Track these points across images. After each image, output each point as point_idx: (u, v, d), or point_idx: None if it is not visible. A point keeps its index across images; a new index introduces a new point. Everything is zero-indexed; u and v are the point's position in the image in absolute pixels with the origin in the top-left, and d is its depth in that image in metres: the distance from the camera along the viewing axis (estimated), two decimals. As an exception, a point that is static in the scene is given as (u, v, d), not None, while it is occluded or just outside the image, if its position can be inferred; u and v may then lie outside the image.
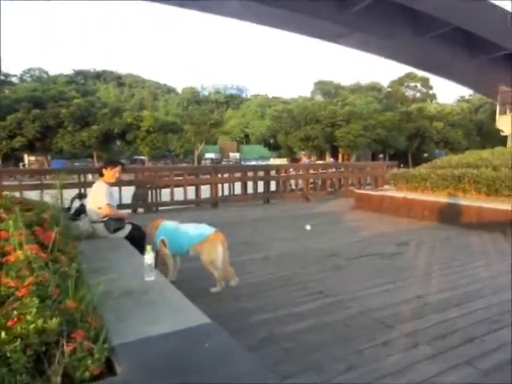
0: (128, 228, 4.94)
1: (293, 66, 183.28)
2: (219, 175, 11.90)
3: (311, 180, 13.51)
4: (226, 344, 2.06)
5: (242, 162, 46.43)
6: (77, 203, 5.44)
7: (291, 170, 14.24)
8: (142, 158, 49.82)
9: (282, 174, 13.04)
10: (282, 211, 10.18)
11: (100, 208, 4.75)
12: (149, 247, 3.21)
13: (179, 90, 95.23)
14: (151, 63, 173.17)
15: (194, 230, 4.42)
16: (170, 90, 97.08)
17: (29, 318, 1.74)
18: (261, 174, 12.29)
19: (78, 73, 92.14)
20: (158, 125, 46.15)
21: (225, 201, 11.83)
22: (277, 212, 10.11)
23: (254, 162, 41.92)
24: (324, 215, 9.34)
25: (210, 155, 58.94)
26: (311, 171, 13.57)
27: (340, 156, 52.18)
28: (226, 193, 12.75)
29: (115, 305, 2.46)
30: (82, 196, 5.87)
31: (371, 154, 52.04)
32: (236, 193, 12.73)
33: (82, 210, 5.12)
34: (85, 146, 45.42)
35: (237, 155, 61.46)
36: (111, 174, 4.97)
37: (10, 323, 1.71)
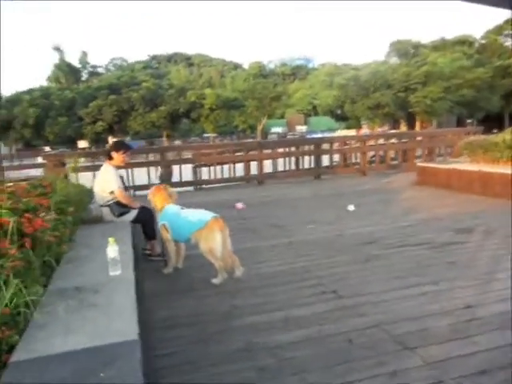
0: (134, 212, 4.60)
1: (365, 28, 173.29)
2: (265, 151, 11.19)
3: (371, 153, 12.34)
4: (127, 374, 1.58)
5: (308, 135, 44.84)
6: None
7: (349, 142, 13.11)
8: (211, 135, 50.39)
9: (335, 148, 12.03)
10: (331, 188, 9.28)
11: (112, 192, 4.47)
12: (111, 239, 2.78)
13: (246, 66, 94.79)
14: (218, 41, 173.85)
15: (194, 216, 3.93)
16: (236, 67, 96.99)
17: None
18: (310, 147, 11.42)
19: (153, 58, 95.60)
20: (221, 102, 46.27)
21: (272, 177, 11.16)
22: (324, 189, 9.24)
23: (319, 135, 40.22)
24: (376, 193, 8.28)
25: (276, 129, 57.90)
26: (370, 143, 12.35)
27: (418, 124, 47.83)
28: (280, 168, 12.16)
29: (56, 305, 2.26)
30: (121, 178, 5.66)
31: (456, 120, 46.21)
32: (288, 168, 12.06)
33: None
34: (155, 127, 47.12)
35: (303, 128, 59.77)
36: (121, 157, 4.76)
37: None
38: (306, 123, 63.16)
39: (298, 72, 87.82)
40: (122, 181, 5.58)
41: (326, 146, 11.82)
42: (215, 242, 3.74)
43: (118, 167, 4.81)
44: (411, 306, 3.03)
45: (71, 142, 40.20)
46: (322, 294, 3.36)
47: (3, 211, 2.92)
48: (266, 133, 54.45)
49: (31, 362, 1.70)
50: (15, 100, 46.76)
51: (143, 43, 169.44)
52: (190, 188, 10.51)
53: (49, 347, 1.80)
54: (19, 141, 45.38)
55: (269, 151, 11.65)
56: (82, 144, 42.55)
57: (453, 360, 2.32)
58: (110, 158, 4.70)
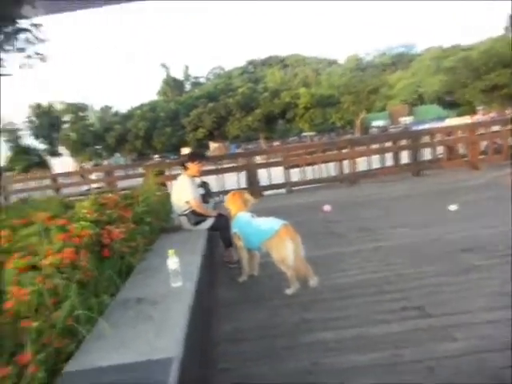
0: (211, 220, 4.62)
1: (475, 4, 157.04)
2: (356, 148, 10.59)
3: (484, 143, 10.90)
4: None
5: (414, 127, 41.88)
6: (200, 191, 5.39)
7: (454, 132, 11.74)
8: (310, 133, 50.06)
9: (437, 139, 10.94)
10: (431, 185, 8.43)
11: (188, 202, 4.58)
12: (171, 251, 2.75)
13: (341, 61, 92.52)
14: (312, 40, 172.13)
15: (264, 224, 3.80)
16: (331, 63, 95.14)
17: None
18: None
19: (249, 63, 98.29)
20: (315, 100, 45.66)
21: (366, 176, 10.56)
22: (423, 187, 8.42)
23: (427, 125, 37.24)
24: (487, 189, 7.23)
25: (377, 123, 55.15)
26: (480, 131, 10.93)
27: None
28: (375, 166, 11.48)
29: (116, 316, 2.31)
30: (205, 185, 5.82)
31: None
32: (385, 165, 11.32)
33: (203, 198, 5.01)
34: (251, 130, 48.27)
35: (408, 119, 56.04)
36: (195, 167, 4.82)
37: None
38: (411, 114, 59.25)
39: (398, 60, 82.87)
40: (207, 188, 5.72)
41: (427, 139, 10.86)
42: (286, 251, 3.56)
43: (194, 177, 4.86)
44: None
45: (176, 150, 43.00)
46: (403, 310, 2.97)
47: (86, 224, 3.08)
48: (366, 127, 52.33)
49: (78, 374, 1.75)
50: (129, 115, 51.64)
51: (240, 50, 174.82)
52: (282, 190, 10.42)
53: (97, 360, 1.83)
54: (132, 152, 49.99)
55: (362, 148, 11.05)
56: (186, 151, 45.27)
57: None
58: (186, 169, 4.79)
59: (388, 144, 11.41)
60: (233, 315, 3.30)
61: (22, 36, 7.29)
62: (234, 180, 10.02)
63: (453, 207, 5.85)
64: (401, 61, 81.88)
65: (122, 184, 11.35)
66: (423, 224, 5.34)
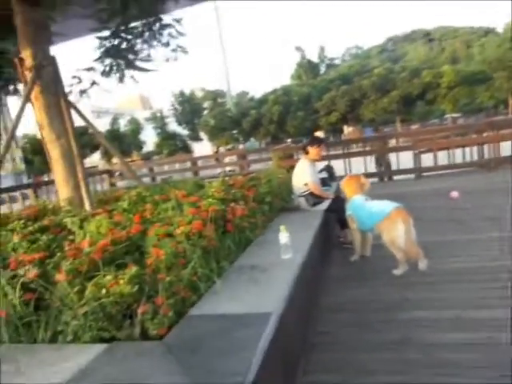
0: (327, 202, 4.92)
1: None
2: (495, 131, 9.67)
3: None
4: (255, 336, 1.92)
5: None
6: (324, 174, 5.83)
7: None
8: (454, 115, 46.01)
9: None
10: None
11: (306, 184, 4.93)
12: (282, 227, 3.17)
13: (500, 30, 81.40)
14: (463, 7, 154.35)
15: (377, 207, 3.99)
16: (487, 32, 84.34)
17: (121, 282, 2.28)
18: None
19: (389, 40, 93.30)
20: (461, 78, 41.37)
21: (505, 162, 9.54)
22: None
23: None
24: None
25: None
26: None
27: None
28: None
29: (231, 278, 2.77)
30: (329, 168, 6.24)
31: None
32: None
33: (325, 181, 5.46)
34: (386, 112, 46.13)
35: None
36: (315, 151, 5.10)
37: (109, 284, 2.27)
38: None
39: None
40: (331, 171, 6.02)
41: None
42: (397, 233, 3.71)
43: (314, 160, 5.17)
44: None
45: (309, 134, 43.52)
46: (512, 298, 2.93)
47: (214, 201, 3.68)
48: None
49: (198, 317, 2.24)
50: (263, 100, 53.67)
51: (380, 26, 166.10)
52: (411, 176, 10.13)
53: (214, 309, 2.31)
54: (267, 136, 52.05)
55: (506, 132, 10.05)
56: (319, 134, 45.54)
57: None
58: (307, 153, 5.13)
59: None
60: (339, 290, 3.61)
61: (166, 31, 8.01)
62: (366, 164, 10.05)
63: None
64: None
65: (254, 167, 12.26)
66: None
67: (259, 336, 1.90)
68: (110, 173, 12.81)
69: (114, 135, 43.16)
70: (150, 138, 53.06)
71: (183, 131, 55.29)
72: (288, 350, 2.32)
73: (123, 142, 44.20)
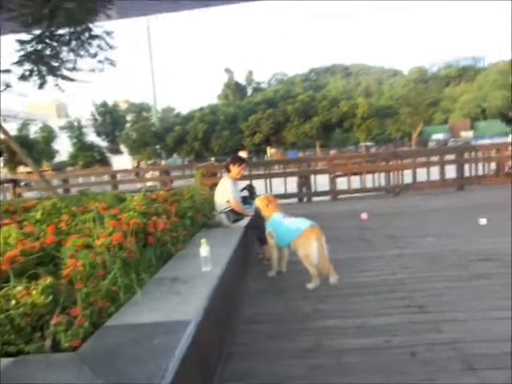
0: (247, 219, 5.09)
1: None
2: (399, 161, 10.71)
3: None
4: (173, 343, 1.97)
5: (474, 142, 40.32)
6: (245, 193, 5.98)
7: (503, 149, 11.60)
8: (367, 144, 49.47)
9: (480, 156, 10.81)
10: (471, 200, 8.45)
11: (228, 201, 5.05)
12: (203, 240, 3.26)
13: (405, 72, 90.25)
14: (378, 50, 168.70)
15: (293, 224, 4.22)
16: (395, 73, 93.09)
17: (33, 293, 2.19)
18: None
19: (311, 70, 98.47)
20: (373, 110, 45.05)
21: (411, 188, 10.62)
22: (462, 201, 8.47)
23: (488, 141, 35.80)
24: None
25: (437, 136, 53.71)
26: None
27: None
28: (422, 179, 11.48)
29: (152, 290, 2.80)
30: (251, 188, 6.40)
31: None
32: (429, 179, 11.29)
33: (246, 199, 5.61)
34: (307, 137, 48.45)
35: (470, 134, 54.00)
36: (237, 170, 5.26)
37: (20, 295, 2.17)
38: (472, 128, 57.07)
39: (464, 73, 79.93)
40: (252, 190, 6.22)
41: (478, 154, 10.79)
42: (311, 249, 3.96)
43: (236, 179, 5.34)
44: (497, 330, 2.78)
45: (233, 153, 44.16)
46: (407, 307, 3.30)
47: (135, 214, 3.66)
48: (425, 140, 51.05)
49: (115, 327, 2.23)
50: (189, 117, 53.60)
51: (304, 57, 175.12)
52: (327, 197, 10.74)
53: (132, 319, 2.32)
54: (191, 153, 51.82)
55: (408, 161, 11.13)
56: (242, 154, 46.42)
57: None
58: (229, 171, 5.29)
59: (434, 158, 11.38)
60: (256, 302, 3.76)
61: (95, 42, 7.82)
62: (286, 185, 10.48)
63: (482, 221, 5.97)
64: (467, 73, 78.69)
65: (176, 184, 12.20)
66: (450, 235, 5.56)
67: (177, 343, 1.96)
68: (15, 182, 11.95)
69: (22, 142, 39.93)
70: (64, 147, 49.99)
71: (102, 143, 52.97)
72: (205, 358, 2.39)
73: (33, 149, 40.95)
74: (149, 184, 13.20)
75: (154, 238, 3.57)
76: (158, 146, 52.67)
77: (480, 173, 11.02)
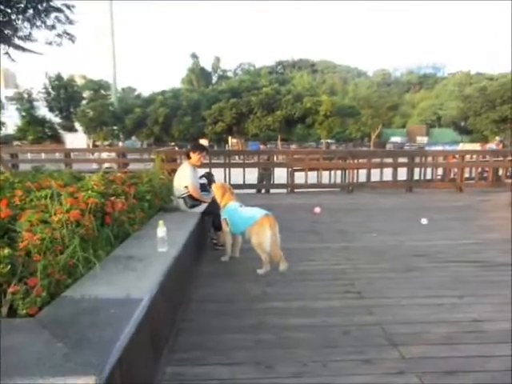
0: (204, 205, 5.26)
1: (506, 35, 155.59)
2: (355, 160, 11.24)
3: (480, 169, 11.64)
4: (120, 316, 2.12)
5: (428, 147, 42.37)
6: (203, 180, 6.12)
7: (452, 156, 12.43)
8: (328, 141, 50.61)
9: (430, 162, 11.54)
10: (417, 201, 9.04)
11: (186, 187, 5.18)
12: (161, 222, 3.41)
13: (370, 74, 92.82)
14: (345, 48, 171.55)
15: (248, 213, 4.44)
16: (360, 74, 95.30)
17: None
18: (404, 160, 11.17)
19: (279, 63, 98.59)
20: (336, 109, 46.05)
21: (365, 186, 11.16)
22: (410, 202, 9.05)
23: (440, 147, 37.78)
24: (462, 209, 7.92)
25: (395, 139, 56.10)
26: (468, 158, 11.69)
27: None
28: (375, 178, 12.05)
29: (108, 266, 2.91)
30: (210, 175, 6.55)
31: None
32: (382, 179, 11.87)
33: (204, 186, 5.74)
34: (270, 130, 48.77)
35: (425, 139, 56.73)
36: (197, 158, 5.40)
37: None
38: (427, 134, 59.89)
39: (425, 81, 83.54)
40: (211, 178, 6.39)
41: (428, 159, 11.50)
42: (264, 237, 4.20)
43: (196, 166, 5.49)
44: (419, 313, 3.18)
45: (194, 140, 43.75)
46: (346, 292, 3.64)
47: (93, 194, 3.74)
48: (384, 142, 53.06)
49: (72, 298, 2.36)
50: (150, 100, 52.39)
51: (271, 49, 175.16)
52: (284, 191, 11.04)
53: (89, 291, 2.45)
54: (150, 136, 50.81)
55: (363, 161, 11.65)
56: (203, 142, 46.17)
57: (426, 359, 2.52)
58: (189, 158, 5.43)
59: (387, 160, 11.97)
60: (208, 284, 3.96)
61: (52, 14, 7.54)
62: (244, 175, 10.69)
63: (424, 221, 6.47)
64: (427, 81, 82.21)
65: (133, 167, 12.09)
66: (393, 232, 5.99)
67: (131, 314, 2.13)
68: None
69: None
70: (11, 120, 47.35)
71: (55, 118, 50.55)
72: (157, 330, 2.57)
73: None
74: (106, 165, 12.99)
75: (112, 218, 3.68)
76: (115, 127, 51.07)
77: (428, 177, 11.75)
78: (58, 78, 49.82)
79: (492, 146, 20.49)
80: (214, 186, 4.98)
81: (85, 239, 3.08)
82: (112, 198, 3.89)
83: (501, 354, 2.58)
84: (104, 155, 14.69)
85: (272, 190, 11.11)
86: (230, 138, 53.46)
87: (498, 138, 33.27)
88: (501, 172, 11.80)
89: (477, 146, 40.41)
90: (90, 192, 3.70)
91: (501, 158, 11.92)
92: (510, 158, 11.65)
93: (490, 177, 11.19)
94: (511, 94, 40.97)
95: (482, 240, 5.48)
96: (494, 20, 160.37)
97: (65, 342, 1.83)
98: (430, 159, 11.83)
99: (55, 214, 3.08)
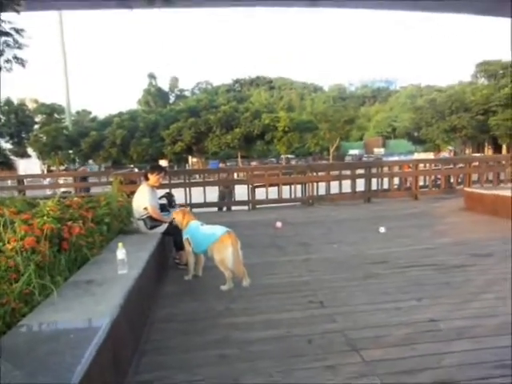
0: (165, 225, 5.22)
1: (452, 49, 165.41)
2: (314, 173, 11.51)
3: (433, 177, 12.21)
4: (80, 341, 2.09)
5: (384, 158, 44.05)
6: (163, 200, 6.08)
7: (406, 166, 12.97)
8: (288, 156, 51.45)
9: (386, 172, 12.02)
10: (375, 211, 9.34)
11: (146, 208, 5.15)
12: (120, 244, 3.38)
13: (326, 88, 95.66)
14: (301, 65, 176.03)
15: (210, 231, 4.45)
16: (316, 89, 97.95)
17: None
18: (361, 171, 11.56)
19: (236, 81, 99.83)
20: (294, 124, 47.10)
21: (324, 199, 11.42)
22: (368, 212, 9.33)
23: (396, 158, 39.39)
24: (417, 217, 8.27)
25: (353, 151, 58.08)
26: (422, 167, 12.25)
27: (505, 148, 45.11)
28: (335, 191, 12.34)
29: (67, 291, 2.87)
30: (169, 196, 6.52)
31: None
32: (341, 191, 12.18)
33: (164, 207, 5.74)
34: (230, 147, 49.12)
35: (381, 151, 59.00)
36: (155, 178, 5.38)
37: None
38: (384, 146, 62.29)
39: (378, 94, 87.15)
40: (170, 198, 6.38)
41: (384, 170, 11.95)
42: (226, 254, 4.21)
43: (154, 187, 5.46)
44: (379, 318, 3.29)
45: (153, 161, 43.28)
46: (309, 303, 3.70)
47: (49, 219, 3.65)
48: (343, 155, 54.67)
49: (30, 325, 2.32)
50: (106, 122, 51.57)
51: (228, 67, 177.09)
52: (246, 207, 11.10)
53: (47, 318, 2.41)
54: (108, 159, 49.80)
55: (322, 174, 11.92)
56: (162, 163, 45.73)
57: (386, 361, 2.62)
58: (147, 179, 5.41)
59: (346, 172, 12.31)
60: (172, 303, 3.93)
61: (1, 39, 7.35)
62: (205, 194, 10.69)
63: (382, 229, 6.70)
64: (380, 95, 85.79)
65: (92, 190, 11.82)
66: (353, 242, 6.16)
67: (92, 337, 2.10)
68: None
69: None
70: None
71: (5, 145, 48.65)
72: (120, 352, 2.53)
73: None
74: (62, 190, 12.62)
75: (69, 243, 3.61)
76: (71, 151, 49.77)
77: (385, 187, 12.19)
78: (8, 102, 48.14)
79: (445, 154, 21.50)
80: (173, 214, 4.97)
81: (41, 266, 3.01)
82: (69, 223, 3.82)
83: (455, 349, 2.72)
84: (61, 180, 14.24)
85: (234, 208, 11.17)
86: (189, 157, 53.38)
87: (450, 147, 35.10)
88: (452, 179, 12.45)
89: (431, 155, 42.71)
90: (45, 218, 3.62)
91: (451, 166, 12.57)
92: (460, 166, 12.31)
93: (443, 184, 11.74)
94: (459, 105, 43.43)
95: (436, 244, 5.73)
96: (441, 34, 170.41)
97: (22, 370, 1.78)
98: (386, 169, 12.30)
99: (9, 243, 3.00)
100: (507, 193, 7.60)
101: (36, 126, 49.59)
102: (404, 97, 71.98)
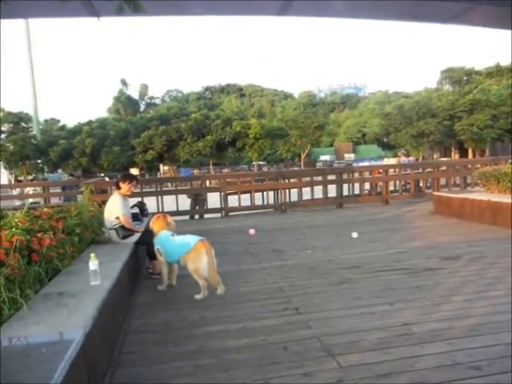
0: (137, 235, 5.16)
1: (418, 56, 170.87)
2: (286, 180, 11.64)
3: (403, 182, 12.52)
4: (52, 355, 2.04)
5: (355, 164, 44.88)
6: (135, 210, 5.99)
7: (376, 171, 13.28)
8: (260, 163, 51.63)
9: (357, 177, 12.26)
10: (347, 216, 9.51)
11: (117, 217, 5.07)
12: (92, 255, 3.32)
13: (296, 95, 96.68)
14: (270, 72, 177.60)
15: (183, 240, 4.43)
16: (286, 96, 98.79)
17: None
18: (332, 177, 11.75)
19: (206, 89, 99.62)
20: (265, 131, 47.44)
21: (297, 205, 11.52)
22: (340, 217, 9.49)
23: (366, 163, 40.22)
24: (388, 221, 8.47)
25: (324, 157, 58.86)
26: (392, 172, 12.55)
27: (470, 152, 46.74)
28: (307, 197, 12.45)
29: (37, 304, 2.81)
30: (141, 204, 6.44)
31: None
32: (313, 197, 12.32)
33: (136, 216, 5.72)
34: (201, 155, 48.91)
35: (352, 156, 60.07)
36: (127, 187, 5.32)
37: None
38: (354, 151, 63.43)
39: (348, 101, 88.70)
40: (142, 207, 6.31)
41: (355, 175, 12.18)
42: (201, 263, 4.19)
43: (126, 196, 5.39)
44: (353, 323, 3.34)
45: (124, 170, 42.60)
46: (284, 310, 3.73)
47: (18, 231, 3.55)
48: (314, 161, 55.31)
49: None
50: (75, 131, 50.47)
51: (198, 75, 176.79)
52: (218, 215, 11.08)
53: (18, 332, 2.34)
54: (77, 168, 48.70)
55: (294, 180, 12.05)
56: (134, 171, 45.15)
57: (362, 365, 2.65)
58: (119, 188, 5.33)
59: (317, 178, 12.49)
60: (146, 314, 3.88)
61: None
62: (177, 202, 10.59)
63: (354, 235, 6.83)
64: (350, 101, 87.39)
65: (60, 201, 11.56)
66: (327, 247, 6.25)
67: (65, 351, 2.05)
68: None
69: None
70: None
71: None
72: (94, 365, 2.48)
73: None
74: (31, 200, 12.28)
75: (39, 255, 3.52)
76: (39, 160, 48.45)
77: (356, 192, 12.41)
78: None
79: (405, 159, 21.99)
80: (151, 220, 4.94)
81: (10, 279, 2.92)
82: (39, 235, 3.73)
83: (430, 352, 2.78)
84: (29, 190, 13.83)
85: (206, 215, 11.15)
86: (161, 165, 52.84)
87: (402, 150, 35.71)
88: (421, 184, 12.81)
89: (394, 161, 43.69)
90: (14, 230, 3.52)
91: (420, 170, 12.94)
92: (428, 170, 12.69)
93: (412, 188, 12.06)
94: (426, 111, 44.75)
95: (407, 248, 5.88)
96: (408, 41, 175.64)
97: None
98: (357, 175, 12.54)
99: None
100: (473, 196, 7.90)
101: (2, 136, 48.09)
102: (373, 103, 73.57)
